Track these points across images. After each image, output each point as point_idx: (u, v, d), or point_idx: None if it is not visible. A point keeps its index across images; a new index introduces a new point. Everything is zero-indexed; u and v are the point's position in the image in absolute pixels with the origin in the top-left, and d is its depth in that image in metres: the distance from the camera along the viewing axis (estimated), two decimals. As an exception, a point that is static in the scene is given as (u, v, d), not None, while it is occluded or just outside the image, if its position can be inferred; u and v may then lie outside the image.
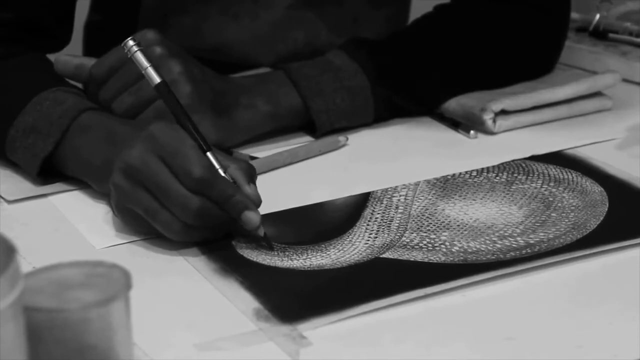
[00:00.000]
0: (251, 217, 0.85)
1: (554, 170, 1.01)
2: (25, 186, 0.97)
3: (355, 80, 1.09)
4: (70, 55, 1.07)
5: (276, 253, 0.86)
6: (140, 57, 0.92)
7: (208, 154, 0.87)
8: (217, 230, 0.87)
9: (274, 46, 1.22)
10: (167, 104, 0.91)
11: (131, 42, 0.92)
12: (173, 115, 0.90)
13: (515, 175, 1.00)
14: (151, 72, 0.91)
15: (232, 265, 0.84)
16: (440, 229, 0.90)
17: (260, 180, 0.93)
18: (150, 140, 0.85)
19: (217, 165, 0.86)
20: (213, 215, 0.85)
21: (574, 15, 1.31)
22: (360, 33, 1.20)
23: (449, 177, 1.00)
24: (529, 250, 0.86)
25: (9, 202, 0.95)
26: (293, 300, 0.80)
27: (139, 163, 0.85)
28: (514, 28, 1.19)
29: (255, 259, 0.85)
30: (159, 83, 0.91)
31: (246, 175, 0.87)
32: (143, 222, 0.86)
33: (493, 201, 0.95)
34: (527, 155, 1.04)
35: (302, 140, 1.08)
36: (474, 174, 1.00)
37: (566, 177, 0.99)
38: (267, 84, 1.07)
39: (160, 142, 0.85)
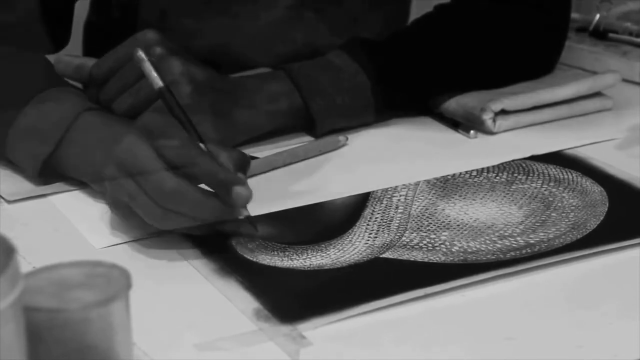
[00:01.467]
0: (240, 192, 0.83)
1: (554, 170, 1.01)
2: (25, 186, 0.97)
3: (356, 81, 1.09)
4: (71, 56, 1.07)
5: (276, 253, 0.86)
6: (147, 66, 0.92)
7: (208, 146, 0.87)
8: (197, 218, 0.84)
9: (273, 46, 1.22)
10: (169, 109, 0.91)
11: (141, 52, 0.92)
12: (175, 119, 0.90)
13: (515, 175, 1.00)
14: (155, 76, 0.91)
15: (231, 265, 0.84)
16: (440, 228, 0.90)
17: (261, 180, 0.93)
18: (140, 129, 0.85)
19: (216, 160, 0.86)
20: (189, 197, 0.82)
21: (574, 15, 1.31)
22: (360, 33, 1.20)
23: (449, 177, 1.00)
24: (529, 250, 0.86)
25: (9, 202, 0.95)
26: (293, 300, 0.80)
27: (126, 151, 0.85)
28: (514, 28, 1.19)
29: (255, 259, 0.85)
30: (161, 87, 0.91)
31: (237, 163, 0.86)
32: (137, 216, 0.85)
33: (493, 201, 0.95)
34: (527, 155, 1.04)
35: (302, 140, 1.08)
36: (474, 173, 1.00)
37: (566, 177, 0.99)
38: (267, 84, 1.07)
39: (148, 130, 0.85)
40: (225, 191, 0.83)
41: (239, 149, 0.91)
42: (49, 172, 0.97)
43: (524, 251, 0.86)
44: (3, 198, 0.96)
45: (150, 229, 0.86)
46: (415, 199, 0.95)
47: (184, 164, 0.83)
